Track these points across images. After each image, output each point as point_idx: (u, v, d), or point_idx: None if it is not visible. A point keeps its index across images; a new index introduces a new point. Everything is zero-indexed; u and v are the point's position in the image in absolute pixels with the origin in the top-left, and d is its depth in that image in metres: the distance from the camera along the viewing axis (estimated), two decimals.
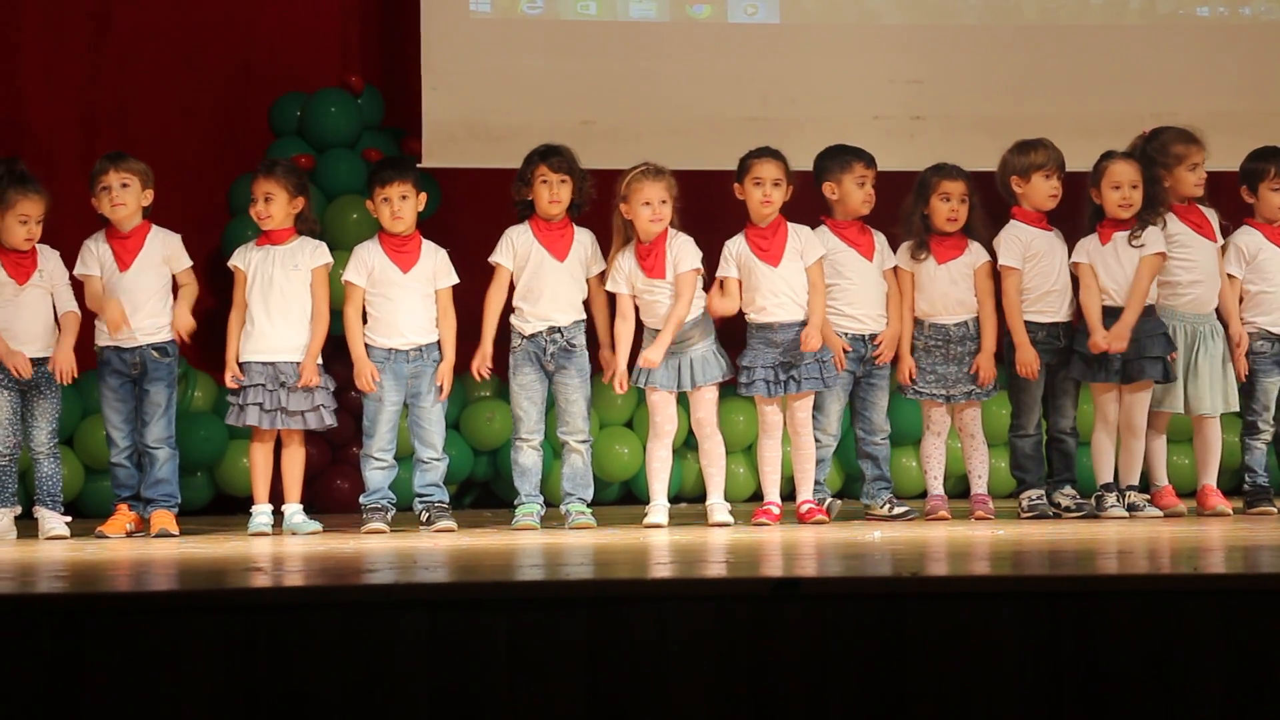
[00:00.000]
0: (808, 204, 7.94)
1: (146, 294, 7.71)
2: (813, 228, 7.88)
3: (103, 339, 7.72)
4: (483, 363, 7.78)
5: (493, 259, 7.81)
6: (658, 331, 7.68)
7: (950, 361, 7.91)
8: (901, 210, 7.96)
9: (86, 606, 4.63)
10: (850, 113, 9.03)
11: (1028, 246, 7.86)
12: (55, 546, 7.18)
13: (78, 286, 7.74)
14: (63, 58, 9.20)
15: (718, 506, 7.75)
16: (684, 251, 7.70)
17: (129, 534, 7.63)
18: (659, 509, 7.73)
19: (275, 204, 7.75)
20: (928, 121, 9.19)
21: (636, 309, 7.74)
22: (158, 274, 7.74)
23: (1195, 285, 7.87)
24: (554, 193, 7.73)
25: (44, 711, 4.43)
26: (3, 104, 9.13)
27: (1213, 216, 7.95)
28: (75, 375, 7.62)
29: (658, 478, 7.81)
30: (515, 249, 7.80)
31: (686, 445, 8.85)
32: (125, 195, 7.67)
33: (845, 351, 7.84)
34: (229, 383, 7.72)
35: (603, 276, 7.82)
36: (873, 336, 7.93)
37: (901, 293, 7.94)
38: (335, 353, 7.99)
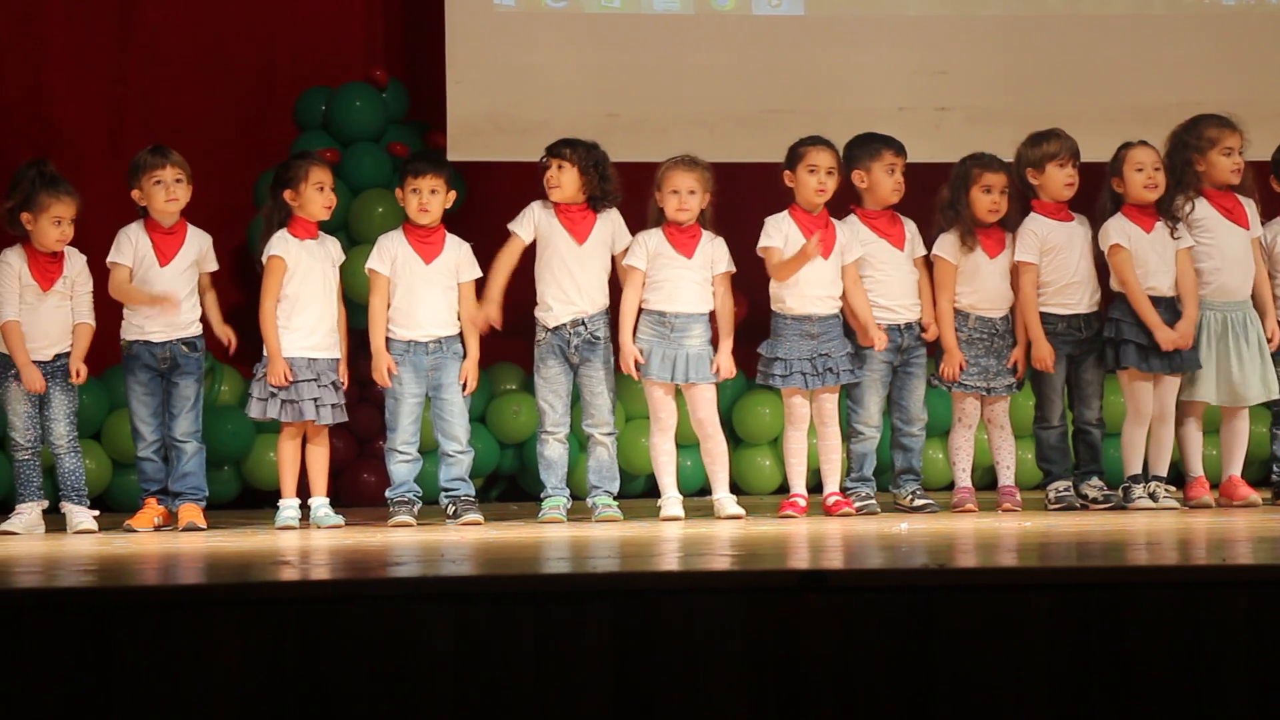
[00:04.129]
0: (836, 193, 7.92)
1: (181, 290, 7.72)
2: (841, 217, 7.88)
3: (131, 333, 7.73)
4: (491, 309, 7.72)
5: (511, 226, 7.80)
6: (661, 315, 7.69)
7: (992, 354, 7.89)
8: (939, 200, 7.93)
9: (114, 600, 4.64)
10: (875, 104, 9.02)
11: (1045, 240, 7.83)
12: (83, 540, 7.20)
13: (99, 285, 7.76)
14: (89, 53, 9.22)
15: (726, 500, 7.75)
16: (721, 252, 7.74)
17: (157, 528, 7.66)
18: (673, 501, 7.73)
19: (328, 194, 7.77)
20: (952, 113, 9.17)
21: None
22: (191, 272, 7.75)
23: (1218, 273, 7.84)
24: (555, 179, 7.70)
25: (73, 704, 4.45)
26: (30, 100, 9.16)
27: (1250, 207, 7.92)
28: (84, 378, 7.65)
29: (666, 471, 7.81)
30: (535, 223, 7.80)
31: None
32: (179, 190, 7.68)
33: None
34: (280, 381, 7.66)
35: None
36: (907, 325, 7.91)
37: (942, 284, 7.90)
38: (359, 347, 7.99)
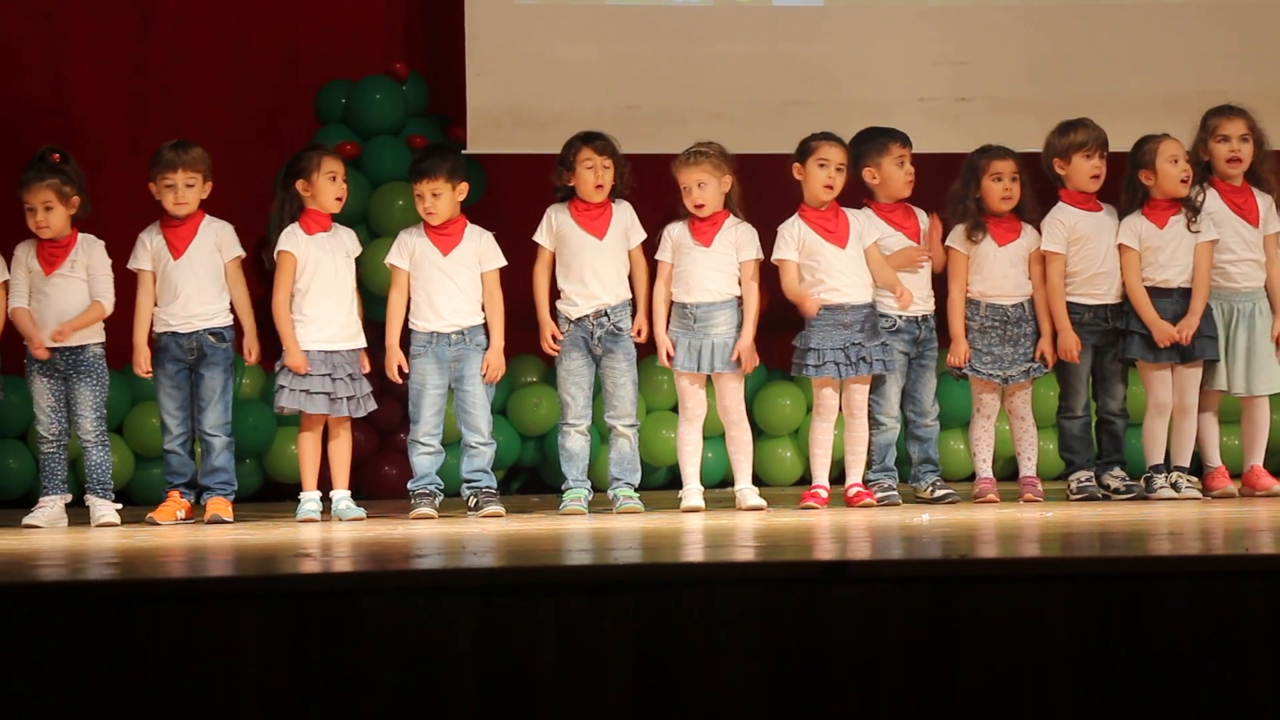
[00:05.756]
0: (849, 188, 7.92)
1: (200, 281, 7.72)
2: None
3: (159, 325, 7.74)
4: (548, 339, 7.79)
5: (535, 238, 7.85)
6: (684, 306, 7.71)
7: (1006, 343, 7.88)
8: (950, 194, 7.94)
9: (137, 593, 4.65)
10: (895, 95, 8.99)
11: (1071, 230, 7.83)
12: (106, 534, 7.22)
13: (129, 278, 7.78)
14: (109, 47, 9.24)
15: (748, 491, 7.74)
16: (747, 238, 7.74)
17: (179, 521, 7.66)
18: (694, 492, 7.74)
19: (339, 184, 7.77)
20: (973, 103, 9.15)
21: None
22: (210, 261, 7.75)
23: (1224, 264, 7.82)
24: (599, 176, 7.75)
25: (97, 697, 4.46)
26: (50, 93, 9.17)
27: (1266, 202, 7.88)
28: (50, 347, 7.56)
29: (690, 461, 7.82)
30: (554, 228, 7.82)
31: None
32: (189, 194, 7.69)
33: (898, 327, 7.82)
34: (301, 369, 7.69)
35: (646, 246, 7.84)
36: (923, 318, 7.91)
37: (954, 274, 7.90)
38: (379, 340, 7.98)
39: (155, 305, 7.75)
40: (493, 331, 7.81)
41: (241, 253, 7.80)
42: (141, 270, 7.74)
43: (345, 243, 7.85)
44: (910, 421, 8.00)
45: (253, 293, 7.97)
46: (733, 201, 7.77)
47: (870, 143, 7.89)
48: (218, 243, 7.76)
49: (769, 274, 7.86)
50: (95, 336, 7.67)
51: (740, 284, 7.75)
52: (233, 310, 7.79)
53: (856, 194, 7.94)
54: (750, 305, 7.75)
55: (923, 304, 7.92)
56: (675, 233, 7.78)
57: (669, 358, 7.75)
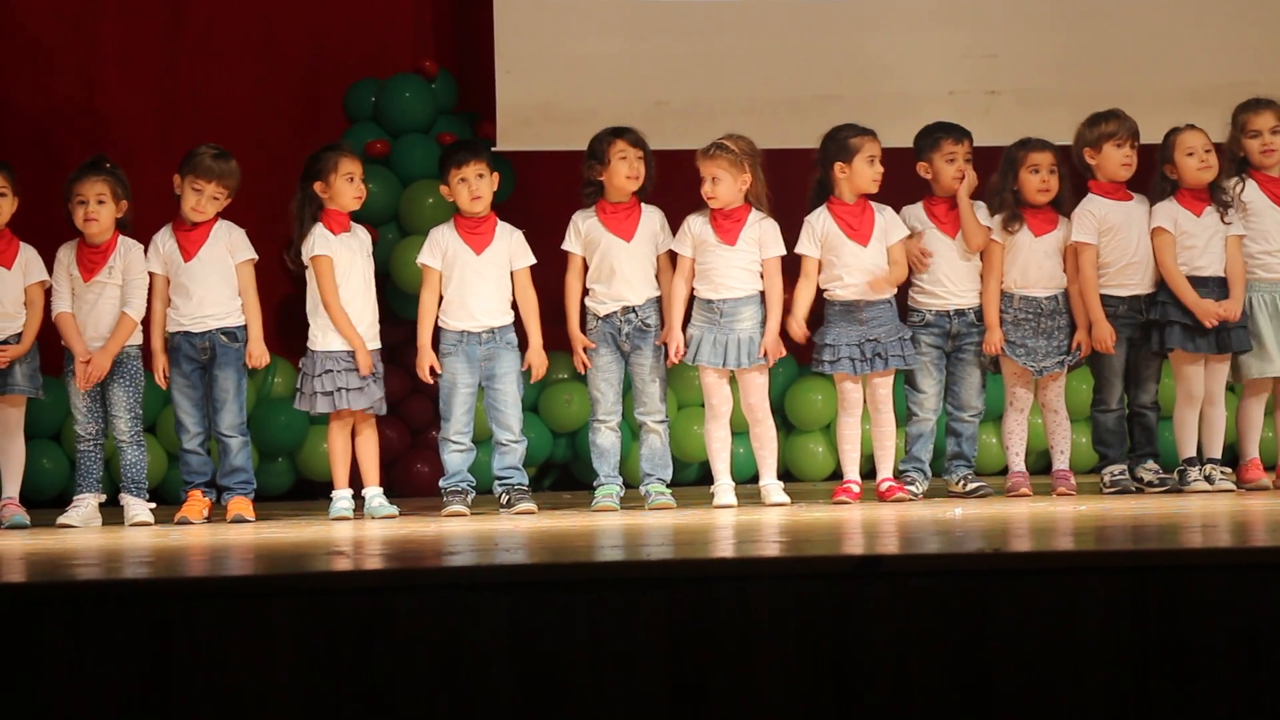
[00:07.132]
0: (903, 182, 7.91)
1: (214, 282, 7.72)
2: (896, 209, 7.88)
3: (171, 325, 7.75)
4: (579, 353, 7.80)
5: (564, 246, 7.84)
6: (709, 302, 7.70)
7: (1040, 335, 7.86)
8: (989, 185, 7.93)
9: (172, 592, 4.66)
10: (925, 88, 8.98)
11: (1102, 221, 7.81)
12: (140, 533, 7.25)
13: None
14: (140, 46, 9.26)
15: (773, 487, 7.74)
16: (771, 235, 7.72)
17: (206, 519, 7.67)
18: (725, 489, 7.73)
19: (357, 184, 7.79)
20: (1003, 96, 9.13)
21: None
22: (223, 263, 7.74)
23: (1265, 254, 7.80)
24: (632, 167, 7.73)
25: (132, 695, 4.48)
26: (81, 93, 9.20)
27: None
28: (100, 379, 7.59)
29: (719, 458, 7.82)
30: (582, 233, 7.81)
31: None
32: (212, 206, 7.70)
33: (927, 321, 7.81)
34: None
35: (673, 251, 7.83)
36: (959, 312, 7.89)
37: (990, 266, 7.89)
38: (410, 338, 7.99)
39: (168, 307, 7.75)
40: (530, 330, 7.82)
41: (253, 256, 7.79)
42: (154, 274, 7.75)
43: (364, 243, 7.85)
44: (948, 414, 7.99)
45: (278, 290, 7.99)
46: (754, 196, 7.76)
47: (925, 139, 7.93)
48: (229, 246, 7.75)
49: (793, 267, 7.86)
50: (131, 339, 7.69)
51: (764, 280, 7.75)
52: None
53: (906, 186, 7.94)
54: (774, 301, 7.74)
55: (957, 297, 7.90)
56: (696, 228, 7.77)
57: (679, 353, 7.73)
